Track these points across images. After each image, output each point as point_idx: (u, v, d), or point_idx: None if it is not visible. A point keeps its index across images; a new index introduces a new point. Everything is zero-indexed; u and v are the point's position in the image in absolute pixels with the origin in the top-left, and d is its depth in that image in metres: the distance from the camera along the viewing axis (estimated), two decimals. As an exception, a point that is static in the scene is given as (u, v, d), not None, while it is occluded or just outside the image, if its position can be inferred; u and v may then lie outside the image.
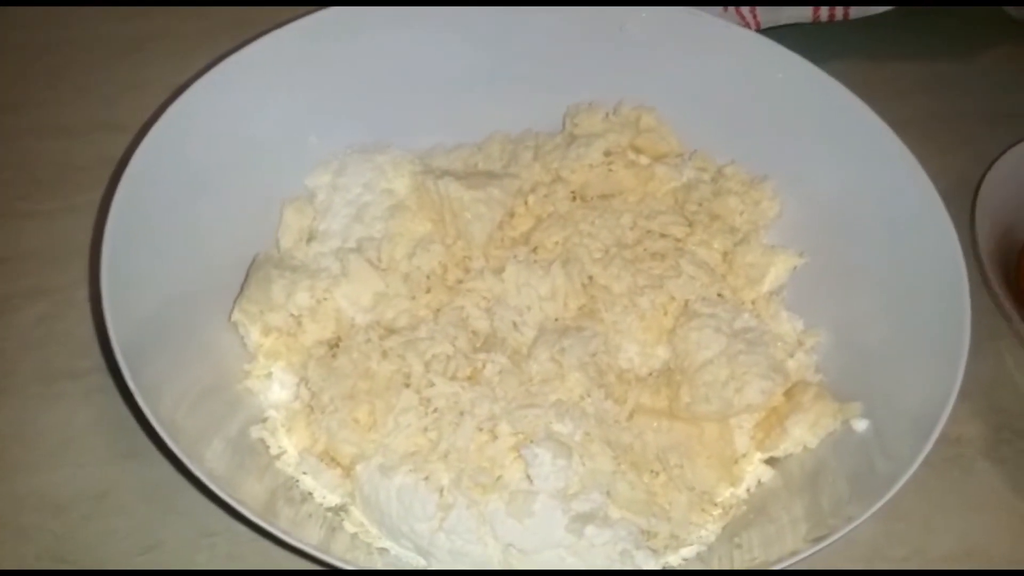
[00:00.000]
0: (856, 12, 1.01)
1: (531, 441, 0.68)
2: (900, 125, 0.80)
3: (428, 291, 0.77)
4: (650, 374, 0.76)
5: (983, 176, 0.91)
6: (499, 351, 0.73)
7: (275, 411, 0.74)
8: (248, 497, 0.65)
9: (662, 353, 0.76)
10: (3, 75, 1.03)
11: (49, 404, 0.80)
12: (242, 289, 0.77)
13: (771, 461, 0.74)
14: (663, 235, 0.81)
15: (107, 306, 0.67)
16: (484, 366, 0.72)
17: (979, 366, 0.72)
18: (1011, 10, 1.11)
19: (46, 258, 0.89)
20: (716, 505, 0.72)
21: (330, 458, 0.72)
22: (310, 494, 0.71)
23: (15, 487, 0.76)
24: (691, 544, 0.70)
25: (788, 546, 0.65)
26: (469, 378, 0.71)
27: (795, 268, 0.82)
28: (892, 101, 0.82)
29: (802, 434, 0.72)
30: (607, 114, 0.87)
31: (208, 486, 0.63)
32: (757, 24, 0.99)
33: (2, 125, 0.98)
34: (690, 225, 0.81)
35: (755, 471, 0.74)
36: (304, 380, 0.74)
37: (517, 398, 0.70)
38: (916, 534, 0.76)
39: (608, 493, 0.68)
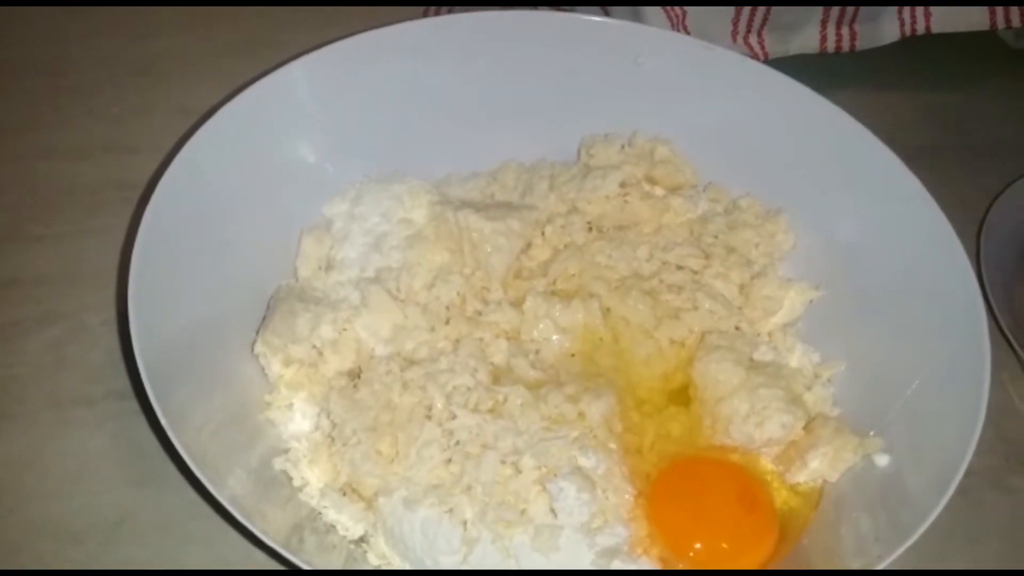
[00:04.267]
0: (862, 43, 1.02)
1: (555, 475, 0.68)
2: (903, 156, 0.81)
3: (447, 322, 0.78)
4: (669, 406, 0.76)
5: (988, 208, 0.92)
6: (519, 384, 0.73)
7: (296, 442, 0.75)
8: (271, 527, 0.65)
9: (680, 385, 0.77)
10: (10, 96, 1.03)
11: (63, 431, 0.80)
12: (265, 321, 0.77)
13: (794, 490, 0.75)
14: (680, 267, 0.82)
15: (135, 332, 0.67)
16: (505, 399, 0.72)
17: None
18: (1009, 39, 1.13)
19: (56, 282, 0.89)
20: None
21: (352, 490, 0.72)
22: (333, 526, 0.71)
23: (30, 515, 0.76)
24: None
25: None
26: (491, 410, 0.72)
27: (811, 301, 0.83)
28: (895, 132, 0.84)
29: (822, 468, 0.73)
30: (622, 146, 0.88)
31: (232, 514, 0.63)
32: (765, 55, 1.00)
33: (10, 146, 0.98)
34: (707, 257, 0.82)
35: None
36: (325, 411, 0.74)
37: (539, 432, 0.71)
38: (928, 563, 0.77)
39: (630, 527, 0.69)
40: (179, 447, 0.64)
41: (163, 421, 0.64)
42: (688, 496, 0.71)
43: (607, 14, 0.96)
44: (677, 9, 0.94)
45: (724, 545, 0.69)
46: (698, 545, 0.69)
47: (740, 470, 0.73)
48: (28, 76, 1.04)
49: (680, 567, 0.69)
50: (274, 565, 0.73)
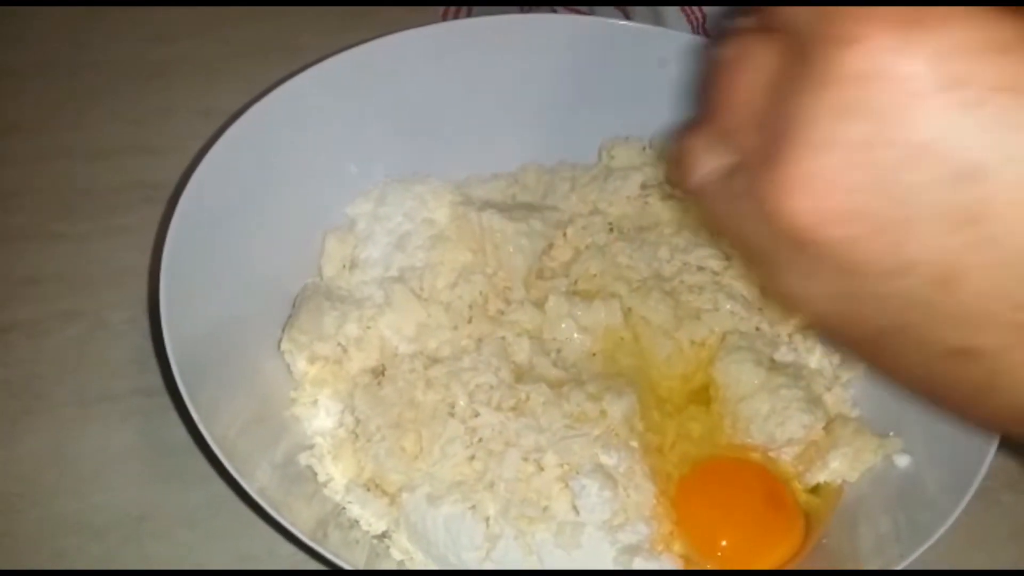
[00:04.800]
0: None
1: (577, 472, 0.69)
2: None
3: (470, 321, 0.78)
4: (690, 405, 0.77)
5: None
6: (541, 382, 0.74)
7: (321, 438, 0.75)
8: (297, 520, 0.65)
9: (700, 385, 0.77)
10: (30, 97, 1.03)
11: (85, 427, 0.80)
12: (291, 319, 0.78)
13: (813, 491, 0.75)
14: (700, 268, 0.82)
15: (166, 327, 0.68)
16: (528, 397, 0.73)
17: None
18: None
19: (78, 281, 0.89)
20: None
21: (376, 486, 0.73)
22: (356, 521, 0.72)
23: (52, 511, 0.76)
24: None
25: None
26: (513, 408, 0.72)
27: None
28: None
29: (842, 468, 0.73)
30: (643, 147, 0.88)
31: (261, 508, 0.63)
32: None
33: (30, 147, 0.99)
34: (727, 259, 0.82)
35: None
36: (350, 408, 0.75)
37: (561, 430, 0.71)
38: (944, 565, 0.77)
39: (651, 524, 0.69)
40: (210, 442, 0.65)
41: (195, 416, 0.65)
42: (714, 496, 0.72)
43: (626, 14, 0.97)
44: (698, 12, 0.94)
45: (750, 543, 0.70)
46: (724, 543, 0.69)
47: (764, 470, 0.74)
48: (47, 77, 1.05)
49: (707, 566, 0.70)
50: (295, 565, 0.74)
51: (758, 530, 0.71)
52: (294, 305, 0.80)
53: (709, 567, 0.70)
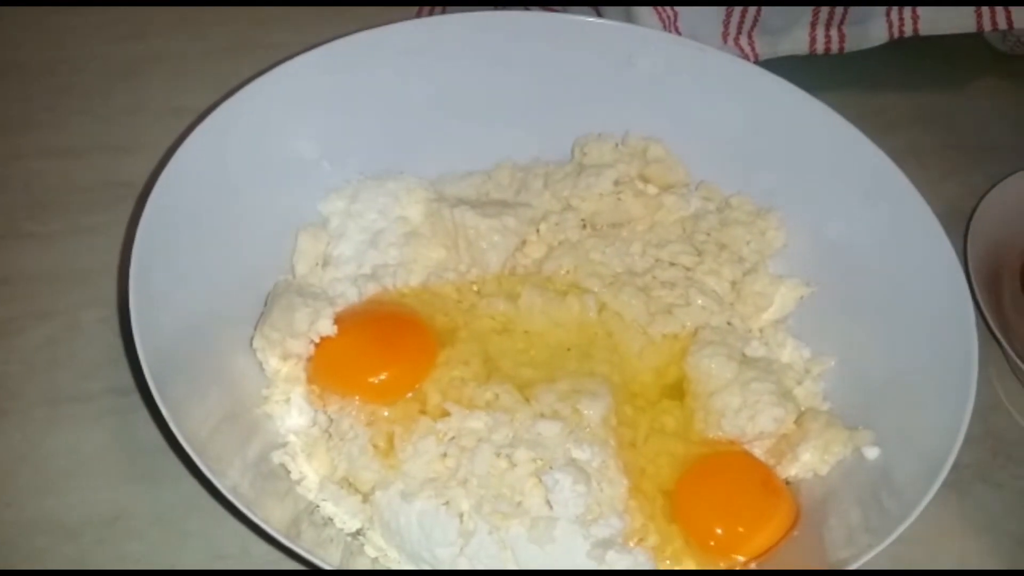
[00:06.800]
0: (850, 45, 1.04)
1: (550, 467, 0.69)
2: (892, 155, 0.83)
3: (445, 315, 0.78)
4: (663, 400, 0.77)
5: (975, 207, 0.94)
6: (514, 377, 0.74)
7: (294, 436, 0.75)
8: (271, 518, 0.65)
9: (673, 380, 0.78)
10: (1, 96, 1.02)
11: (57, 427, 0.80)
12: (264, 315, 0.78)
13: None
14: (672, 264, 0.83)
15: (136, 326, 0.67)
16: (497, 397, 0.73)
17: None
18: (995, 41, 1.15)
19: (50, 280, 0.88)
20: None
21: (348, 484, 0.72)
22: (330, 519, 0.72)
23: (25, 511, 0.76)
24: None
25: None
26: (486, 404, 0.72)
27: (801, 297, 0.84)
28: (882, 132, 0.85)
29: (812, 461, 0.74)
30: (616, 144, 0.89)
31: (233, 506, 0.63)
32: (756, 56, 1.01)
33: (2, 146, 0.98)
34: (699, 254, 0.83)
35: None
36: (323, 406, 0.74)
37: (534, 426, 0.71)
38: (918, 556, 0.78)
39: (625, 518, 0.69)
40: (181, 439, 0.64)
41: (165, 414, 0.64)
42: (711, 489, 0.73)
43: (599, 14, 0.97)
44: (669, 10, 0.95)
45: (741, 528, 0.71)
46: (719, 531, 0.71)
47: (752, 459, 0.75)
48: (20, 76, 1.04)
49: (703, 555, 0.71)
50: (269, 564, 0.73)
51: (761, 513, 0.72)
52: (266, 303, 0.79)
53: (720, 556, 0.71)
